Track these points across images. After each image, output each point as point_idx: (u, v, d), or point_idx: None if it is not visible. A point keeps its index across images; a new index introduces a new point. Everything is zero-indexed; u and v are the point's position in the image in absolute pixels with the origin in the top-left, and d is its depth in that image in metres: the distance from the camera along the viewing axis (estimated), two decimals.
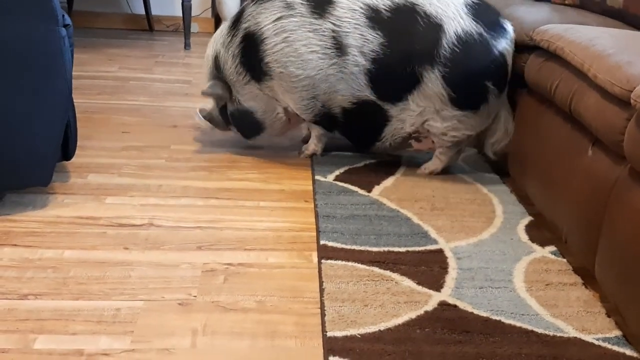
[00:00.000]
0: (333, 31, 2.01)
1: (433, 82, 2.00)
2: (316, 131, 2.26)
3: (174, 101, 2.84)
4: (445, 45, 1.97)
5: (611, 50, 1.57)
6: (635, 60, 1.48)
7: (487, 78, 2.02)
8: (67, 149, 1.84)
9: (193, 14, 4.28)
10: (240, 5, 4.26)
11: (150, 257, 1.58)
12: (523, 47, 2.05)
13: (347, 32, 2.00)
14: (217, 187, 2.00)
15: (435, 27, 1.98)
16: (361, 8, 2.02)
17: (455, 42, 1.97)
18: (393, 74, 2.02)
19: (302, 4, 2.06)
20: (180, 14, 3.97)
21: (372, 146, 2.25)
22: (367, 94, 2.07)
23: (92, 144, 2.26)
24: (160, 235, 1.69)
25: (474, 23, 2.00)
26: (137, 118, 2.58)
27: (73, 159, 1.97)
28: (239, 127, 2.28)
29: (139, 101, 2.80)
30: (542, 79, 1.88)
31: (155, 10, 4.29)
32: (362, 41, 2.00)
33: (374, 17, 2.01)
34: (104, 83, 3.04)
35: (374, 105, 2.09)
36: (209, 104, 2.33)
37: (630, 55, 1.51)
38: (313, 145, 2.29)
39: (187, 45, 3.88)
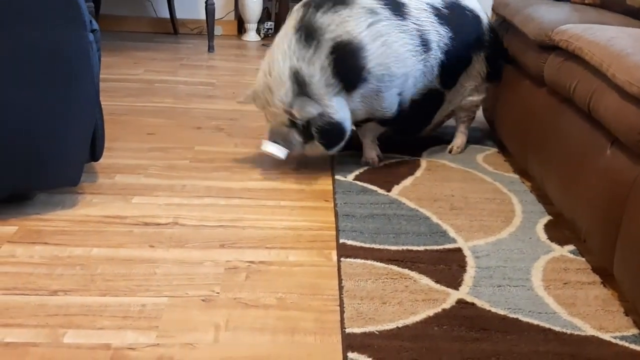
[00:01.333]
0: (417, 30, 2.17)
1: (480, 63, 2.37)
2: (369, 138, 2.31)
3: (197, 103, 2.89)
4: (485, 32, 2.37)
5: (630, 49, 1.57)
6: None
7: (503, 55, 2.46)
8: (94, 151, 1.90)
9: (217, 16, 4.36)
10: (263, 7, 4.34)
11: (174, 254, 1.63)
12: (543, 47, 2.06)
13: (428, 29, 2.19)
14: (240, 187, 2.05)
15: (477, 18, 2.37)
16: (427, 7, 2.23)
17: (488, 29, 2.39)
18: (456, 63, 2.29)
19: (382, 8, 2.12)
20: (204, 17, 4.03)
21: (420, 132, 2.47)
22: (435, 83, 2.27)
23: (119, 145, 2.33)
24: (184, 233, 1.74)
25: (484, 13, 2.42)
26: (162, 120, 2.64)
27: (101, 160, 2.03)
28: (326, 140, 2.11)
29: (163, 103, 2.86)
30: (561, 79, 1.88)
31: (179, 14, 4.37)
32: (438, 36, 2.22)
33: (440, 14, 2.25)
34: (130, 85, 3.11)
35: (437, 92, 2.31)
36: (267, 131, 2.17)
37: None
38: (373, 151, 2.31)
39: (210, 48, 3.94)
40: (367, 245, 1.72)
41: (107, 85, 3.06)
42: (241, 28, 4.54)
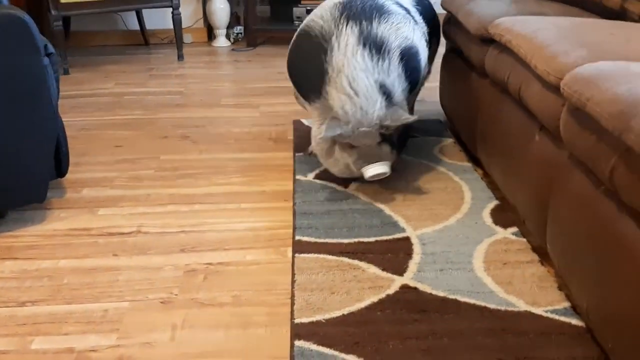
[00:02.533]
0: (419, 25, 2.29)
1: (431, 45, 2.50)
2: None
3: (165, 113, 2.98)
4: (436, 17, 2.52)
5: (551, 40, 1.67)
6: (571, 50, 1.58)
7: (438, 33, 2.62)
8: (60, 167, 1.99)
9: (186, 25, 4.45)
10: (231, 13, 4.43)
11: (136, 261, 1.73)
12: (483, 40, 2.16)
13: (420, 23, 2.32)
14: (202, 192, 2.14)
15: (431, 5, 2.54)
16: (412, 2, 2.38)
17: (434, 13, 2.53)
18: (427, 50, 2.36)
19: (408, 12, 2.24)
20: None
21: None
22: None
23: (87, 159, 2.42)
24: (147, 241, 1.83)
25: None
26: (130, 132, 2.73)
27: (69, 175, 2.12)
28: (404, 143, 2.18)
29: (132, 115, 2.95)
30: (497, 70, 1.99)
31: (149, 25, 4.45)
32: (423, 27, 2.33)
33: (417, 4, 2.40)
34: (101, 100, 3.20)
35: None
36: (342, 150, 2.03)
37: (569, 45, 1.61)
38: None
39: (180, 57, 4.03)
40: (321, 240, 1.82)
41: (78, 101, 3.15)
42: (211, 34, 4.63)
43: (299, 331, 1.44)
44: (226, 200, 2.09)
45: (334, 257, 1.74)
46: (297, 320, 1.48)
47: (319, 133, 2.04)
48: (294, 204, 2.05)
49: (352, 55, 1.97)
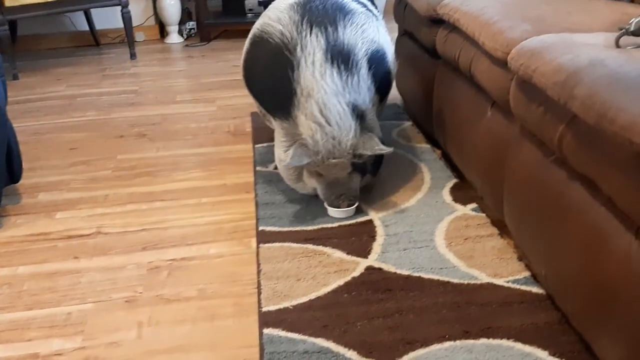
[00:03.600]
0: (382, 23, 2.14)
1: None
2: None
3: (120, 112, 2.94)
4: None
5: (496, 17, 1.70)
6: (516, 25, 1.61)
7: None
8: (12, 173, 1.95)
9: (137, 22, 4.37)
10: (182, 9, 4.37)
11: (98, 262, 1.70)
12: (432, 21, 2.18)
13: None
14: (161, 189, 2.12)
15: None
16: None
17: None
18: None
19: (364, 6, 2.09)
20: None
21: None
22: None
23: (41, 163, 2.37)
24: (108, 241, 1.81)
25: None
26: (84, 133, 2.68)
27: (23, 181, 2.08)
28: (377, 167, 2.02)
29: (86, 117, 2.90)
30: (448, 50, 2.01)
31: (99, 25, 4.37)
32: None
33: None
34: (53, 103, 3.13)
35: None
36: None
37: (514, 21, 1.64)
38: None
39: (132, 56, 3.97)
40: (285, 229, 1.82)
41: (29, 106, 3.07)
42: (163, 31, 4.57)
43: (266, 319, 1.44)
44: (186, 196, 2.07)
45: (299, 245, 1.74)
46: (264, 309, 1.48)
47: (284, 158, 1.88)
48: (256, 195, 2.05)
49: (320, 76, 1.77)
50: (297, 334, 1.39)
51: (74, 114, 2.94)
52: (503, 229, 1.75)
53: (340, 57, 1.81)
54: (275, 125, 1.97)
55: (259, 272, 1.63)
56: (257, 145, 2.43)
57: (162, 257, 1.71)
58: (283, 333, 1.40)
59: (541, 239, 1.38)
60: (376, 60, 1.91)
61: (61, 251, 1.76)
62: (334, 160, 1.78)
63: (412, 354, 1.31)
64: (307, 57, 1.80)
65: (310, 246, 1.74)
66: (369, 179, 1.97)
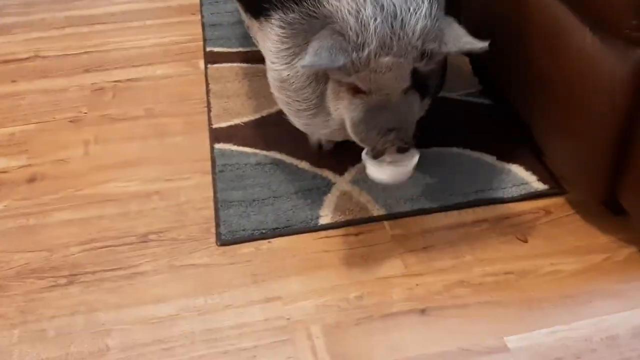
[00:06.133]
0: None
1: None
2: None
3: None
4: None
5: None
6: None
7: None
8: None
9: None
10: None
11: (38, 85, 1.62)
12: None
13: None
14: (102, 12, 1.98)
15: None
16: None
17: None
18: None
19: None
20: None
21: None
22: None
23: None
24: (47, 65, 1.71)
25: None
26: None
27: None
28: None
29: None
30: None
31: None
32: None
33: None
34: None
35: None
36: None
37: None
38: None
39: None
40: (234, 50, 1.75)
41: None
42: None
43: (217, 135, 1.42)
44: (130, 18, 1.94)
45: (249, 65, 1.68)
46: (215, 125, 1.45)
47: (286, 70, 1.14)
48: (202, 16, 1.93)
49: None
50: (249, 148, 1.38)
51: None
52: None
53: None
54: (267, 32, 1.18)
55: (208, 91, 1.58)
56: None
57: (106, 79, 1.64)
58: (235, 147, 1.39)
59: (496, 45, 1.35)
60: None
61: None
62: (388, 59, 1.02)
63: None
64: None
65: (261, 66, 1.64)
66: (426, 107, 1.20)
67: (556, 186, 1.28)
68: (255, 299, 1.07)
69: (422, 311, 1.04)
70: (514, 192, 1.27)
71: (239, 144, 1.39)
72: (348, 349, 0.99)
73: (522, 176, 1.30)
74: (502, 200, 1.25)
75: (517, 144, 1.37)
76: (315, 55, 0.99)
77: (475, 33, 1.35)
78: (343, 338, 1.01)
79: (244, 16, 1.43)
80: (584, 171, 1.13)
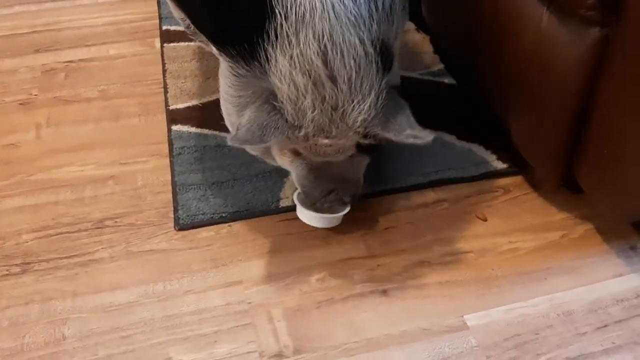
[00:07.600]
0: None
1: None
2: None
3: None
4: None
5: None
6: None
7: None
8: None
9: None
10: None
11: None
12: None
13: None
14: None
15: None
16: None
17: None
18: None
19: None
20: None
21: None
22: None
23: None
24: None
25: None
26: None
27: None
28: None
29: None
30: None
31: None
32: None
33: None
34: None
35: None
36: None
37: None
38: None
39: None
40: None
41: None
42: None
43: (174, 116, 1.39)
44: None
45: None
46: (172, 107, 1.42)
47: (236, 121, 1.05)
48: None
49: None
50: (207, 130, 1.36)
51: None
52: (418, 23, 1.70)
53: None
54: (222, 63, 1.10)
55: (164, 71, 1.54)
56: None
57: (58, 59, 1.58)
58: (193, 129, 1.36)
59: (456, 24, 1.35)
60: None
61: None
62: (327, 141, 1.00)
63: None
64: None
65: None
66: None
67: (515, 165, 1.29)
68: (215, 283, 1.06)
69: (383, 292, 1.05)
70: (474, 171, 1.28)
71: (197, 126, 1.36)
72: (309, 331, 0.99)
73: (482, 155, 1.31)
74: (462, 180, 1.26)
75: (478, 124, 1.38)
76: (247, 131, 0.94)
77: (434, 13, 1.35)
78: (304, 321, 1.00)
79: None
80: (543, 151, 1.14)
